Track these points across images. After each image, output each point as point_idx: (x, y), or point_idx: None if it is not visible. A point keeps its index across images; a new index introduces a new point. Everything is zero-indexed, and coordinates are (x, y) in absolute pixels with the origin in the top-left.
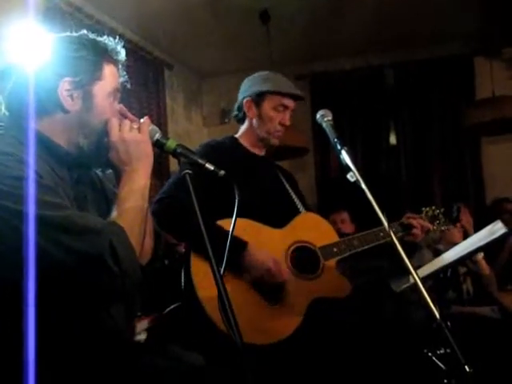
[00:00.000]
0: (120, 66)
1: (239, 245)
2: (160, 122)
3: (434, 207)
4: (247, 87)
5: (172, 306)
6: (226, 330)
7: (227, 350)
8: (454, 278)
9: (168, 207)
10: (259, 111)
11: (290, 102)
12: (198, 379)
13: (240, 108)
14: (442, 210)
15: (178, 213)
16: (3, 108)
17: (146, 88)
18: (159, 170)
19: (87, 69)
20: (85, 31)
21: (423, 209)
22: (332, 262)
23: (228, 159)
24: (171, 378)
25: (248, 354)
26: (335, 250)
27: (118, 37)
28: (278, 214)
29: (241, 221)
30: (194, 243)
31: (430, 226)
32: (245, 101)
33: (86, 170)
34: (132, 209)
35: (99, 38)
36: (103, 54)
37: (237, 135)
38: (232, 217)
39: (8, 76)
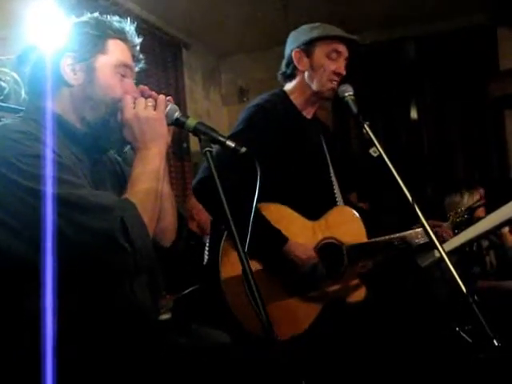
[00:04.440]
0: (132, 46)
1: (279, 239)
2: (179, 101)
3: (459, 210)
4: (294, 39)
5: (190, 289)
6: (246, 327)
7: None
8: (478, 252)
9: (202, 195)
10: (311, 61)
11: (343, 48)
12: (223, 357)
13: (288, 63)
14: (467, 213)
15: (212, 199)
16: (23, 92)
17: (164, 68)
18: (179, 150)
19: (88, 43)
20: (95, 14)
21: (449, 215)
22: (355, 264)
23: (280, 125)
24: (196, 356)
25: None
26: (360, 253)
27: (134, 17)
28: (313, 197)
29: (276, 207)
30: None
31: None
32: (294, 52)
33: (103, 151)
34: (144, 190)
35: (107, 19)
36: (106, 30)
37: (287, 89)
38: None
39: (25, 61)
